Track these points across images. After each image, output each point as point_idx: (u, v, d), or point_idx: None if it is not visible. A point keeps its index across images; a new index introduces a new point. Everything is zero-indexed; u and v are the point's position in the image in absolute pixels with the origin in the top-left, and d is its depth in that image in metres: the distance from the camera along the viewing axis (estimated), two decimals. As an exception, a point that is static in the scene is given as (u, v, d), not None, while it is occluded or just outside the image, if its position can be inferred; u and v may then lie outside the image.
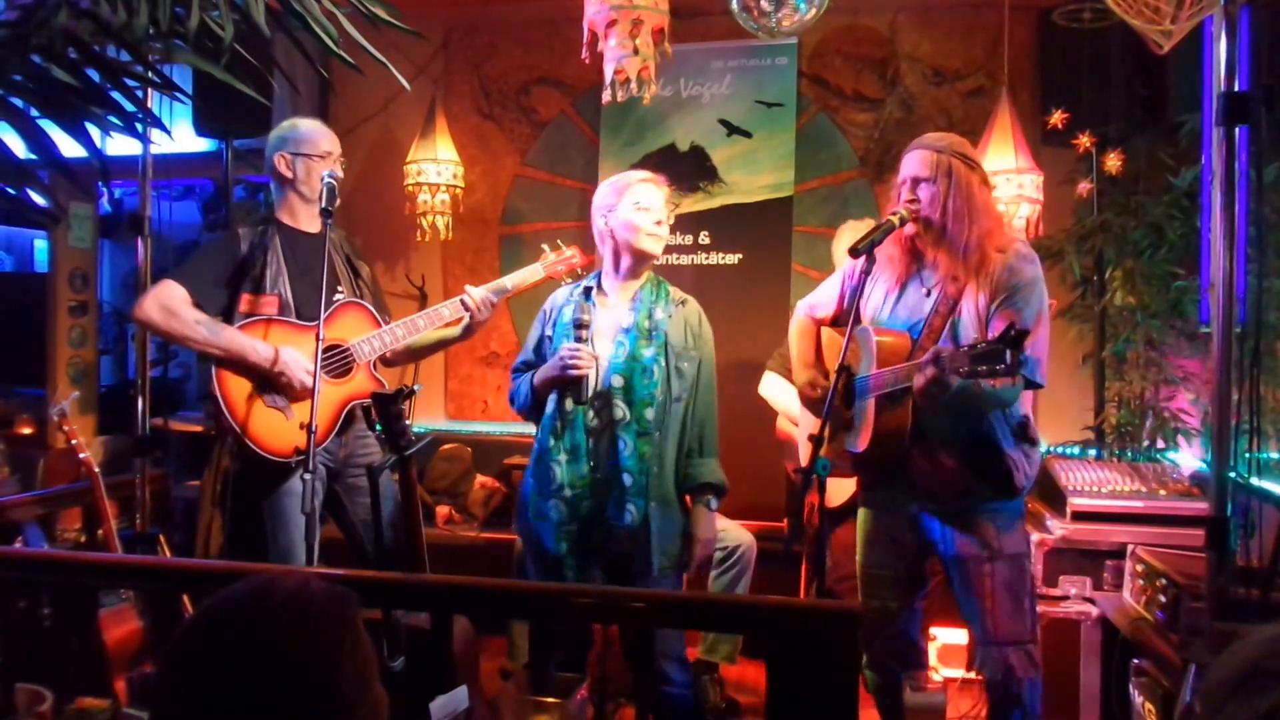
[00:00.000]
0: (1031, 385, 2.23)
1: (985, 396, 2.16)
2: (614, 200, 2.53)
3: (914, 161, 2.32)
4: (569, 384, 2.43)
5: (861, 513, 2.53)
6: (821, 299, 2.63)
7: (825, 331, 2.62)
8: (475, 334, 2.81)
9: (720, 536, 2.73)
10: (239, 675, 0.96)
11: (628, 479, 2.42)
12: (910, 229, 2.31)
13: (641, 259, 2.54)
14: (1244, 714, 0.81)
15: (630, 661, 2.59)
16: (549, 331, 2.59)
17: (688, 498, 2.53)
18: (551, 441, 2.49)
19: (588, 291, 2.59)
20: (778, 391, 3.36)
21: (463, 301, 2.71)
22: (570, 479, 2.46)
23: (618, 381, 2.46)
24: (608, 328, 2.53)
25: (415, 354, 2.90)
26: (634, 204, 2.51)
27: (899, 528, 2.42)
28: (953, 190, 2.25)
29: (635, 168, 4.11)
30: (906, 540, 2.42)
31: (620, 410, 2.44)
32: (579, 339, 2.43)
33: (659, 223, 2.51)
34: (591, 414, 2.46)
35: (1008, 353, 1.88)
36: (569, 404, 2.46)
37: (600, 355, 2.48)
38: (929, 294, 2.33)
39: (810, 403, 2.58)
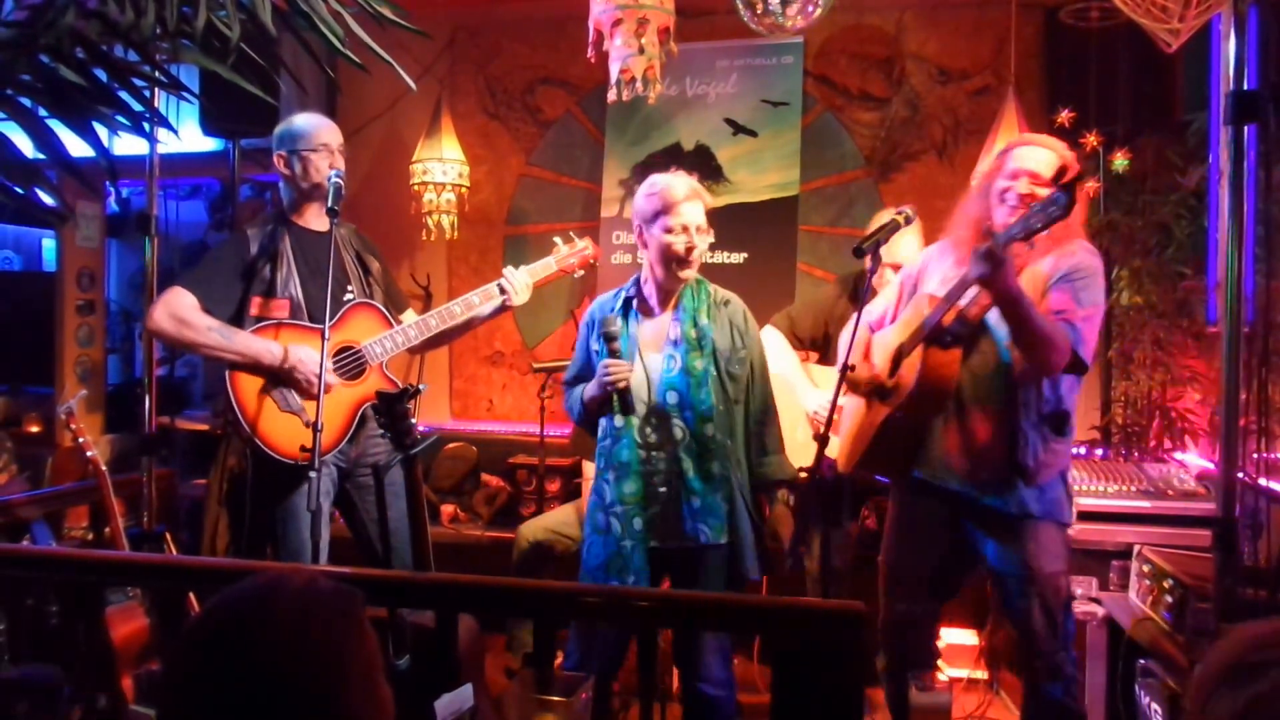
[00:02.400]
0: (1076, 361, 2.20)
1: (1039, 323, 2.12)
2: (650, 214, 2.45)
3: (1039, 160, 2.28)
4: (618, 397, 2.39)
5: (892, 507, 2.53)
6: (876, 312, 2.61)
7: (875, 336, 2.59)
8: (505, 313, 2.85)
9: None
10: (245, 672, 0.96)
11: (696, 501, 2.39)
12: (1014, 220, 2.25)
13: (673, 279, 2.47)
14: (1228, 706, 0.84)
15: (677, 667, 2.57)
16: (595, 345, 2.52)
17: (762, 497, 2.52)
18: (602, 462, 2.46)
19: (628, 303, 2.52)
20: (776, 352, 3.24)
21: (500, 286, 2.76)
22: (620, 496, 2.41)
23: (673, 398, 2.40)
24: (653, 338, 2.46)
25: (444, 338, 2.88)
26: (668, 227, 2.41)
27: (930, 522, 2.41)
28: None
29: (641, 167, 4.15)
30: (940, 536, 2.41)
31: (679, 430, 2.40)
32: (611, 352, 2.40)
33: (690, 249, 2.42)
34: (649, 430, 2.41)
35: (1060, 194, 1.97)
36: (619, 420, 2.41)
37: (651, 369, 2.42)
38: None
39: (856, 385, 2.54)
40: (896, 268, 3.12)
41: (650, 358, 2.44)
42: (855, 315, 2.39)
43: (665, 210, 2.42)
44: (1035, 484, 2.28)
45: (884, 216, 2.69)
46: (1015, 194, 2.26)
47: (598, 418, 2.49)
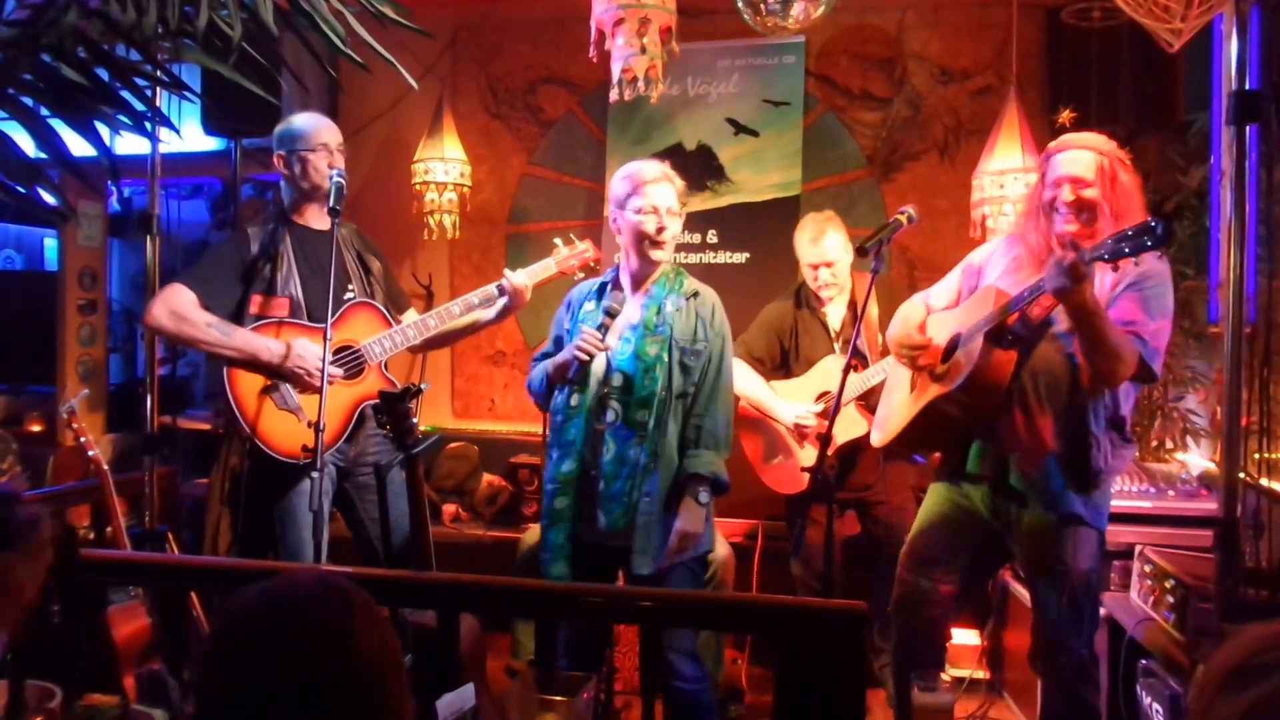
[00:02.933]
0: (1145, 371, 2.21)
1: (1110, 338, 2.12)
2: (622, 197, 2.51)
3: (1076, 163, 2.28)
4: (575, 368, 2.44)
5: (933, 488, 2.54)
6: (938, 293, 2.60)
7: (932, 318, 2.58)
8: (509, 317, 2.87)
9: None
10: (282, 673, 0.96)
11: (603, 484, 2.42)
12: (1073, 227, 2.25)
13: (647, 264, 2.52)
14: (1231, 708, 0.83)
15: (642, 667, 2.59)
16: (567, 325, 2.59)
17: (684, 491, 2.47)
18: (551, 435, 2.52)
19: (603, 286, 2.58)
20: (740, 378, 3.18)
21: (500, 287, 2.77)
22: (554, 474, 2.48)
23: (618, 380, 2.45)
24: (619, 323, 2.51)
25: (446, 339, 2.89)
26: (639, 208, 2.47)
27: (973, 513, 2.42)
28: (1118, 192, 2.25)
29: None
30: (975, 530, 2.43)
31: (613, 412, 2.44)
32: (603, 326, 2.44)
33: (661, 229, 2.45)
34: (596, 410, 2.45)
35: (1159, 225, 1.91)
36: (575, 399, 2.46)
37: (610, 352, 2.47)
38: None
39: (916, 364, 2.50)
40: (829, 265, 3.14)
41: (611, 339, 2.48)
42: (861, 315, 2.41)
43: (635, 191, 2.47)
44: (1097, 488, 2.30)
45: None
46: (1062, 202, 2.27)
47: (553, 390, 2.54)
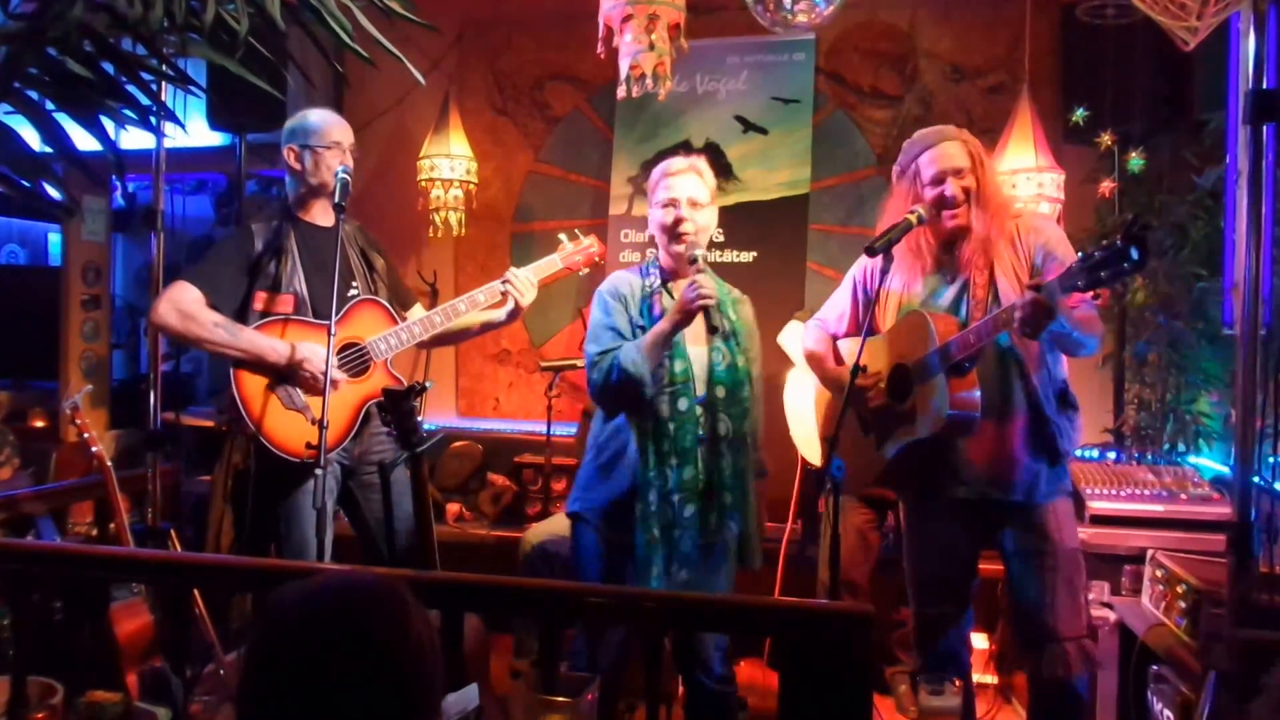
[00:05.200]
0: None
1: (1072, 338, 2.18)
2: (651, 189, 2.46)
3: (950, 154, 2.30)
4: (706, 315, 2.26)
5: (908, 520, 2.53)
6: (833, 314, 2.61)
7: (843, 343, 2.59)
8: (519, 318, 2.80)
9: None
10: (353, 668, 0.96)
11: (728, 497, 2.37)
12: (954, 222, 2.30)
13: (676, 259, 2.44)
14: None
15: (676, 662, 2.55)
16: (641, 321, 2.40)
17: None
18: (649, 442, 2.32)
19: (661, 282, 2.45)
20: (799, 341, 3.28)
21: (504, 283, 2.72)
22: (678, 482, 2.33)
23: (720, 393, 2.36)
24: (689, 329, 2.34)
25: (455, 336, 2.86)
26: (661, 201, 2.40)
27: (947, 528, 2.40)
28: (987, 176, 2.31)
29: (649, 165, 4.12)
30: (958, 540, 2.41)
31: (725, 425, 2.36)
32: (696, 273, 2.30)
33: (679, 221, 2.37)
34: (705, 419, 2.36)
35: (1133, 248, 1.81)
36: (683, 403, 2.33)
37: (692, 361, 2.36)
38: (953, 280, 2.34)
39: (860, 389, 2.46)
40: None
41: (693, 350, 2.37)
42: (867, 320, 2.39)
43: (659, 184, 2.43)
44: (1060, 464, 2.32)
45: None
46: (950, 196, 2.28)
47: (653, 363, 2.30)
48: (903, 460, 2.40)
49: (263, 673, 0.98)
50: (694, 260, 2.33)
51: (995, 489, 2.32)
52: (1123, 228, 1.84)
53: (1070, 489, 2.41)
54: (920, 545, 2.49)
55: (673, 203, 2.39)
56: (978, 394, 2.24)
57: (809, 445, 3.31)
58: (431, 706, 1.01)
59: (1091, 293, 2.03)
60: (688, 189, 2.40)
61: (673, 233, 2.39)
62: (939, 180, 2.31)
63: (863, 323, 2.43)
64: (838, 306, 2.60)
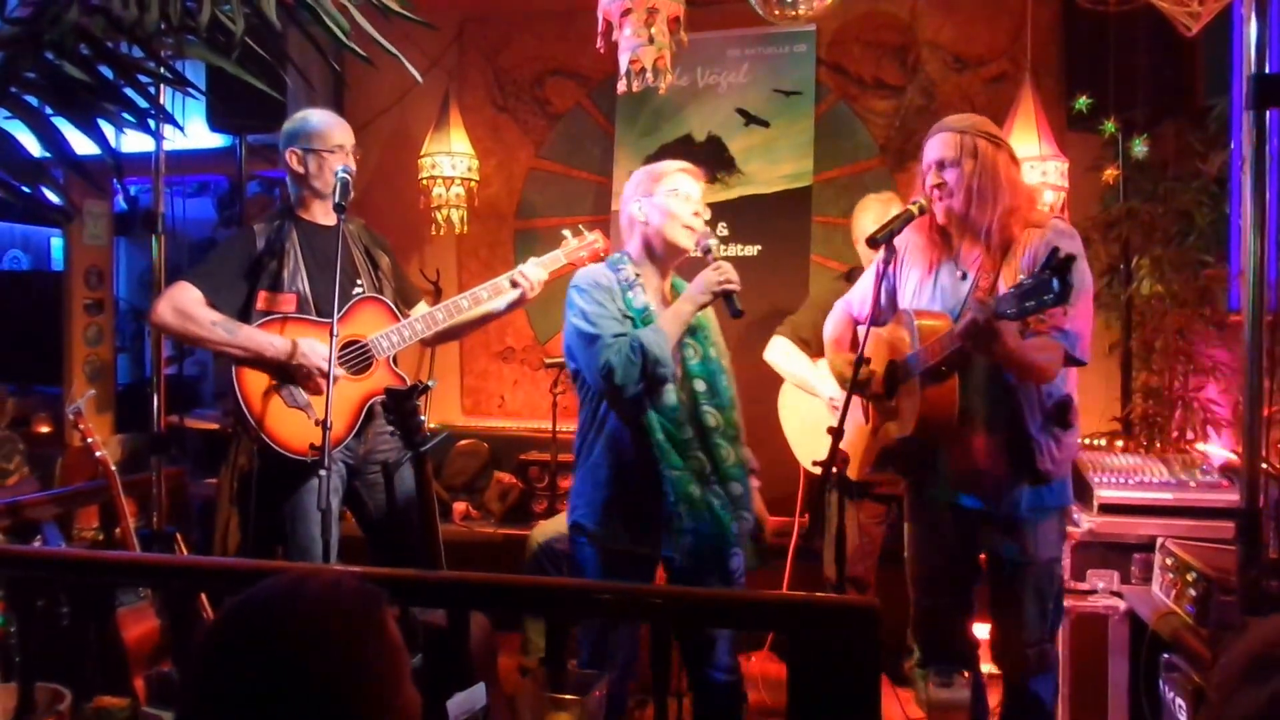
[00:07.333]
0: (1073, 362, 2.19)
1: (1035, 360, 2.12)
2: (650, 186, 2.42)
3: (937, 145, 2.29)
4: (728, 300, 2.30)
5: (909, 510, 2.52)
6: (857, 296, 2.60)
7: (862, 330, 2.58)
8: (519, 308, 2.80)
9: None
10: (267, 674, 0.95)
11: (737, 488, 2.38)
12: (939, 215, 2.29)
13: (673, 252, 2.42)
14: (1250, 700, 0.82)
15: (684, 658, 2.55)
16: (628, 311, 2.37)
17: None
18: (661, 435, 2.30)
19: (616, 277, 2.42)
20: (785, 358, 3.33)
21: (513, 280, 2.71)
22: (691, 475, 2.35)
23: (699, 386, 2.38)
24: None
25: (457, 331, 2.85)
26: (671, 190, 2.40)
27: (942, 522, 2.40)
28: (978, 170, 2.23)
29: (652, 159, 4.11)
30: (950, 535, 2.40)
31: (713, 417, 2.37)
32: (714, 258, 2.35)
33: (695, 214, 2.40)
34: (690, 417, 2.36)
35: (1054, 280, 1.80)
36: (670, 398, 2.33)
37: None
38: (964, 277, 2.31)
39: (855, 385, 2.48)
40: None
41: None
42: (872, 312, 2.37)
43: (667, 178, 2.43)
44: (1050, 484, 2.28)
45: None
46: (930, 186, 2.27)
47: (672, 345, 2.29)
48: (889, 458, 2.43)
49: (194, 682, 1.00)
50: (708, 250, 2.36)
51: (973, 498, 2.32)
52: (1046, 261, 1.81)
53: (1064, 505, 2.37)
54: (918, 539, 2.49)
55: (686, 197, 2.41)
56: (955, 401, 2.20)
57: (809, 456, 3.33)
58: (385, 711, 0.99)
59: (1033, 320, 2.02)
60: (696, 191, 2.44)
61: (686, 224, 2.39)
62: (928, 170, 2.31)
63: (874, 311, 2.42)
64: (861, 290, 2.59)
